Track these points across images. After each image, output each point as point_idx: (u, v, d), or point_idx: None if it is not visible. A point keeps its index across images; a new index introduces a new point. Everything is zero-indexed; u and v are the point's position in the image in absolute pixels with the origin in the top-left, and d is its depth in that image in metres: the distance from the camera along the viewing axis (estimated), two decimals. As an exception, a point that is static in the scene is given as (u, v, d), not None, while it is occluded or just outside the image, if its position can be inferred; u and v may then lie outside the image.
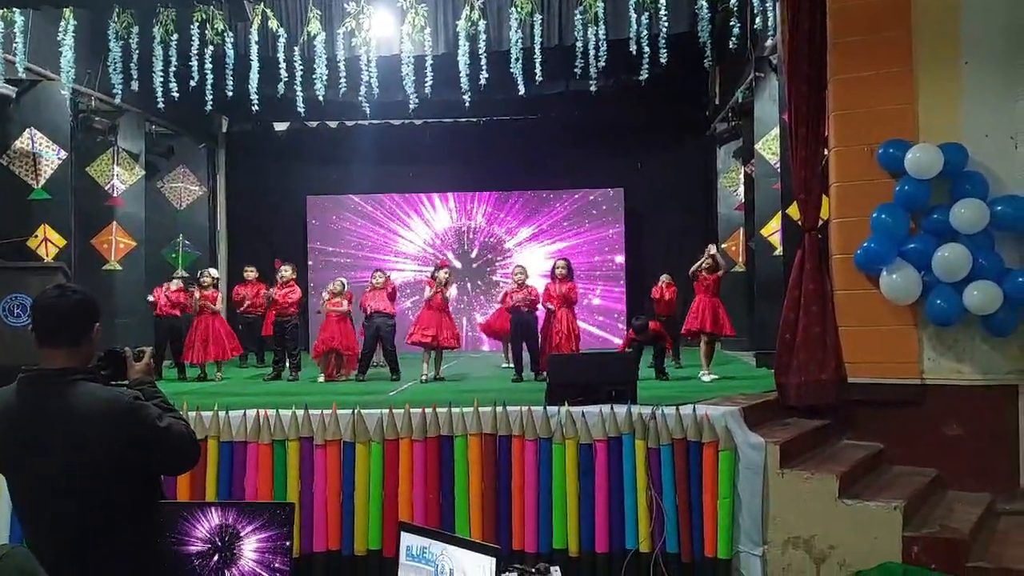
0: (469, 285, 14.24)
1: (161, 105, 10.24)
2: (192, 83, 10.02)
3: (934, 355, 5.64)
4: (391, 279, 9.52)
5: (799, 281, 5.91)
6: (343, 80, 10.22)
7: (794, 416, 5.82)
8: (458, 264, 14.09)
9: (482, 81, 9.83)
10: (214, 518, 2.62)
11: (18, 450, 2.40)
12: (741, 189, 11.84)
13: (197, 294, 9.25)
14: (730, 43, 9.62)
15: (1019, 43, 5.55)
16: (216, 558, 2.64)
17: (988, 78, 5.57)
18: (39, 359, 2.46)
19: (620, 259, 13.94)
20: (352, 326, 9.30)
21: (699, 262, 8.49)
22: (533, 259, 13.55)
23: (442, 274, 8.66)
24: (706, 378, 7.88)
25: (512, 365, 8.77)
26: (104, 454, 2.38)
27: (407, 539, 2.55)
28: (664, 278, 9.86)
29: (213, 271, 9.93)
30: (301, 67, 10.16)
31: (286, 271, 9.16)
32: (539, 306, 8.61)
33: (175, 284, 9.43)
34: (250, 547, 2.63)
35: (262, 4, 9.99)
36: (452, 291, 8.78)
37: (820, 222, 6.05)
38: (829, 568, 4.73)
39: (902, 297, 5.54)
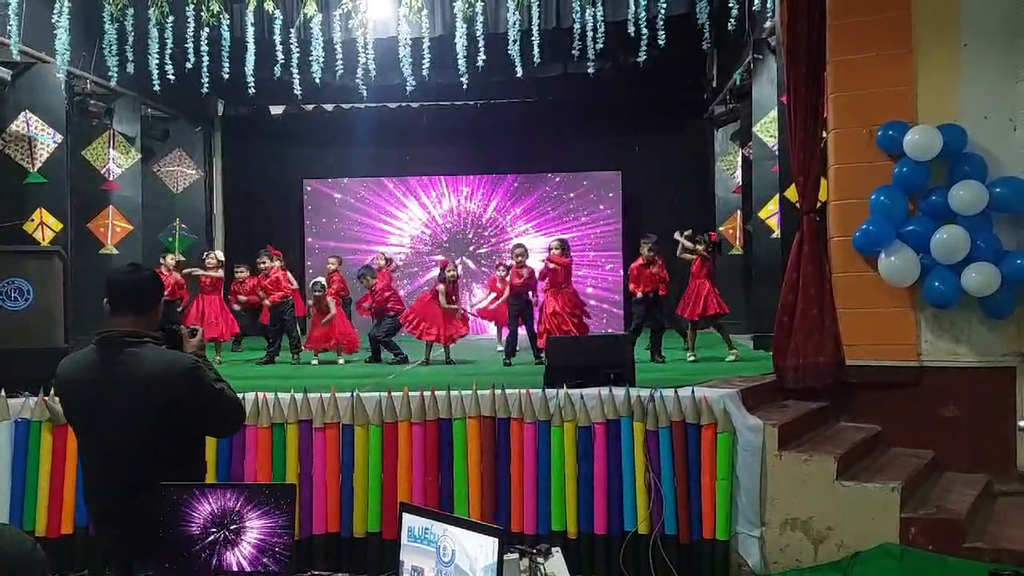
0: (466, 268, 14.22)
1: (157, 88, 10.19)
2: (188, 66, 9.95)
3: (932, 337, 5.65)
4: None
5: (797, 264, 5.91)
6: (340, 63, 10.16)
7: (792, 398, 5.83)
8: (449, 248, 14.08)
9: (479, 63, 9.79)
10: (215, 500, 2.63)
11: (92, 398, 2.75)
12: (739, 172, 11.81)
13: (199, 271, 9.34)
14: (729, 25, 9.57)
15: (1019, 25, 5.53)
16: (217, 540, 2.64)
17: (988, 60, 5.55)
18: (109, 327, 2.82)
19: (617, 242, 13.92)
20: (344, 315, 9.33)
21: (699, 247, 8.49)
22: (530, 242, 13.53)
23: (450, 273, 8.66)
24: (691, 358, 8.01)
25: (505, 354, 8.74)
26: (164, 408, 2.69)
27: (409, 520, 2.55)
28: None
29: (219, 253, 9.93)
30: (297, 50, 10.10)
31: (263, 263, 9.22)
32: (536, 288, 8.63)
33: (170, 261, 9.47)
34: (251, 529, 2.64)
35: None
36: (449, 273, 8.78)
37: (818, 204, 6.04)
38: (827, 549, 4.76)
39: (900, 279, 5.55)
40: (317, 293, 8.93)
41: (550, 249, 8.58)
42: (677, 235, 8.72)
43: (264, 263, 9.23)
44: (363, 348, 9.75)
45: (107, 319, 2.84)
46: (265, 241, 10.52)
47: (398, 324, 8.87)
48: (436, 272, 8.83)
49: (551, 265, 8.33)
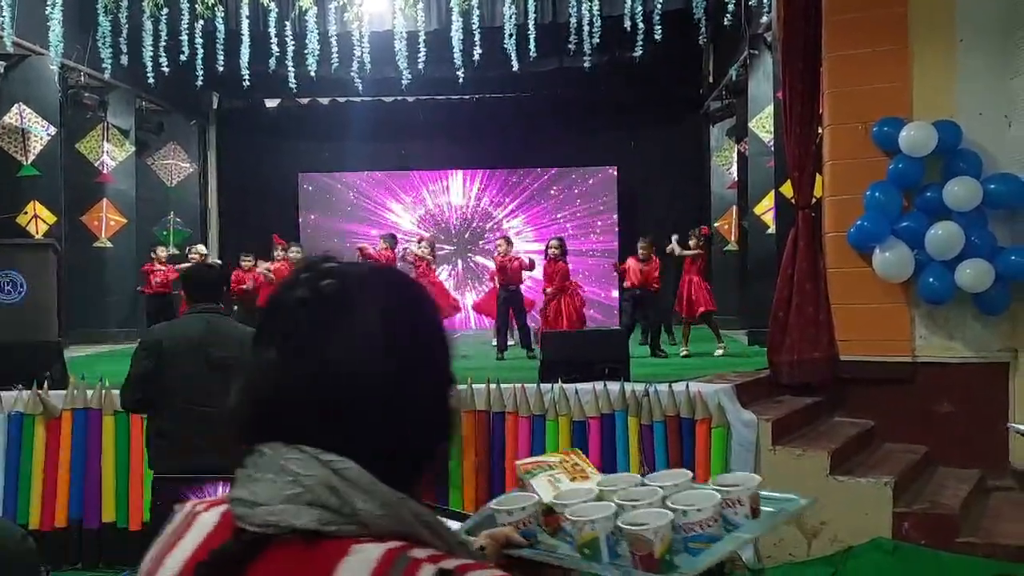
0: (460, 264, 14.22)
1: (151, 81, 10.14)
2: (182, 58, 9.91)
3: (926, 333, 5.66)
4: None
5: (792, 259, 5.91)
6: (335, 56, 10.13)
7: (786, 393, 5.83)
8: (439, 236, 14.06)
9: (475, 57, 9.76)
10: (210, 492, 2.62)
11: (195, 349, 3.55)
12: (734, 167, 11.82)
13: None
14: (725, 20, 9.57)
15: (1014, 22, 5.53)
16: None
17: (983, 56, 5.55)
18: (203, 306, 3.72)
19: (612, 237, 13.92)
20: None
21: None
22: (525, 237, 13.55)
23: (420, 247, 8.66)
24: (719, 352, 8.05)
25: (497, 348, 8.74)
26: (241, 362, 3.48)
27: (403, 514, 2.55)
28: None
29: (201, 247, 9.89)
30: (292, 43, 10.06)
31: (296, 251, 9.20)
32: (525, 272, 8.64)
33: (162, 253, 9.42)
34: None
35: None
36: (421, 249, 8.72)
37: (814, 200, 6.04)
38: (820, 543, 4.76)
39: (895, 275, 5.55)
40: None
41: (548, 248, 8.57)
42: (671, 248, 8.65)
43: (294, 254, 9.22)
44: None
45: (195, 302, 3.73)
46: (260, 235, 10.51)
47: None
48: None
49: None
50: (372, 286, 0.85)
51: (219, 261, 10.90)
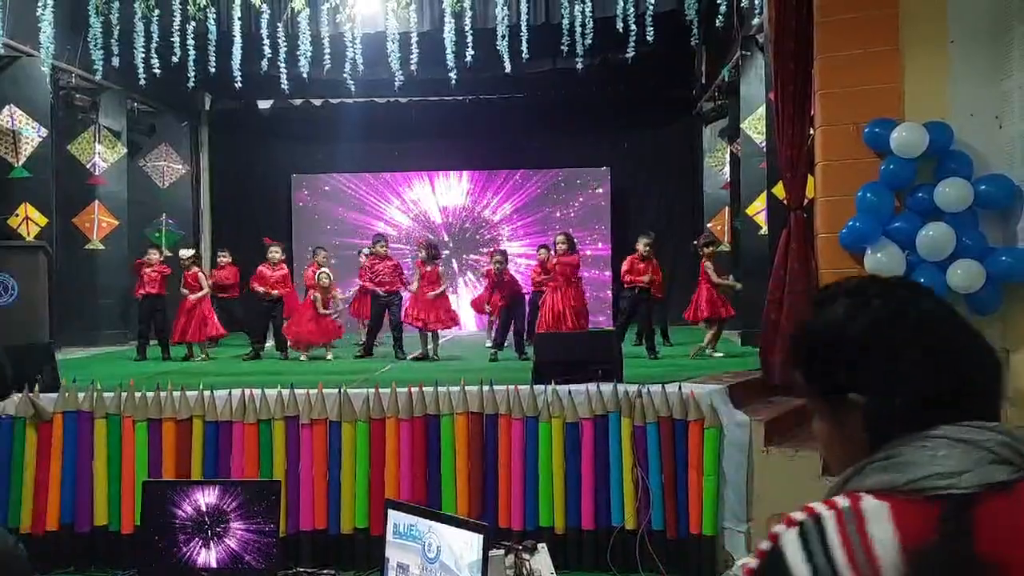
0: (455, 264, 14.22)
1: (143, 82, 10.11)
2: (174, 60, 9.89)
3: (918, 333, 5.67)
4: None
5: (784, 260, 5.92)
6: (327, 57, 10.12)
7: (779, 394, 5.84)
8: (439, 238, 14.05)
9: (468, 59, 9.77)
10: (201, 496, 2.62)
11: None
12: (727, 168, 11.84)
13: (185, 288, 9.14)
14: (717, 21, 9.59)
15: (1005, 22, 5.54)
16: (202, 537, 2.63)
17: (974, 57, 5.57)
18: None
19: (605, 238, 13.93)
20: (329, 318, 9.13)
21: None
22: (517, 238, 13.56)
23: (422, 253, 8.66)
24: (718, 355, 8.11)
25: (492, 344, 8.75)
26: None
27: (394, 516, 2.55)
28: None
29: (187, 251, 9.82)
30: (285, 44, 10.05)
31: (275, 253, 9.16)
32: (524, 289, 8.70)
33: (153, 257, 9.30)
34: (236, 525, 2.63)
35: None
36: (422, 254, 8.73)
37: (805, 201, 6.05)
38: (813, 544, 4.77)
39: (886, 276, 5.56)
40: (325, 283, 8.94)
41: (555, 244, 8.59)
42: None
43: (275, 255, 9.18)
44: (354, 343, 9.72)
45: None
46: (253, 236, 10.48)
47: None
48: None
49: (556, 265, 8.40)
50: (893, 289, 1.20)
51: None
